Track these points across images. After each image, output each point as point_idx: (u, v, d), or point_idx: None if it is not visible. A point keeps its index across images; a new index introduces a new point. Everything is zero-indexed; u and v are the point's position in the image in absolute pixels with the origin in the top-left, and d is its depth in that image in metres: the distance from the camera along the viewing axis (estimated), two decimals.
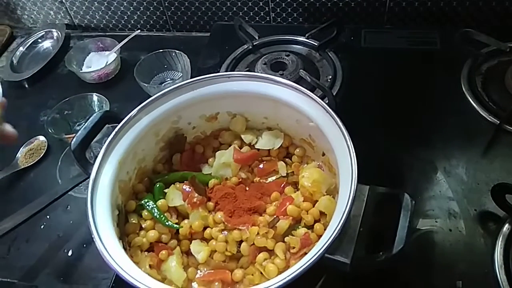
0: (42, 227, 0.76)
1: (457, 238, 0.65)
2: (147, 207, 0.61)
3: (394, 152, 0.77)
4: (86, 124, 0.62)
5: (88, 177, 0.57)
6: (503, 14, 0.96)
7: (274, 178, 0.67)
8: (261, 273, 0.56)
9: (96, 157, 0.59)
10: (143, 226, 0.61)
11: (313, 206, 0.60)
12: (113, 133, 0.60)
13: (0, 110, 0.49)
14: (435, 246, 0.65)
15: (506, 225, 0.63)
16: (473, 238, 0.65)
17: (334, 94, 0.85)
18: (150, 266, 0.57)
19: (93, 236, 0.50)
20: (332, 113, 0.57)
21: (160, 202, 0.62)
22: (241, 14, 1.08)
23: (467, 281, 0.61)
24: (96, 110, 0.94)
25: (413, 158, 0.76)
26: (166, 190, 0.65)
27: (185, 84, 0.65)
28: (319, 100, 0.60)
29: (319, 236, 0.56)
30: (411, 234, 0.65)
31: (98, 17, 1.16)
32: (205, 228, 0.61)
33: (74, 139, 0.60)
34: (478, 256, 0.63)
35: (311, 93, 0.61)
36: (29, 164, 0.86)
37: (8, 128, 0.49)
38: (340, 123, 0.56)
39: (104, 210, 0.54)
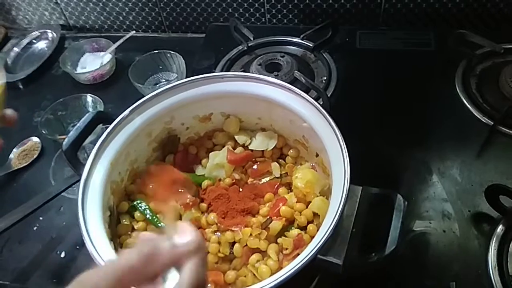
0: (35, 228, 0.76)
1: (451, 239, 0.65)
2: (140, 208, 0.61)
3: (389, 153, 0.77)
4: (78, 124, 0.61)
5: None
6: (498, 16, 0.97)
7: (267, 179, 0.66)
8: (254, 274, 0.56)
9: None
10: (135, 227, 0.61)
11: (306, 207, 0.60)
12: (105, 133, 0.60)
13: (3, 94, 0.50)
14: (429, 247, 0.65)
15: (500, 226, 0.63)
16: (467, 239, 0.65)
17: (328, 95, 0.85)
18: None
19: (83, 237, 0.50)
20: (325, 113, 0.57)
21: (153, 203, 0.62)
22: (236, 15, 1.07)
23: (460, 282, 0.61)
24: (90, 111, 0.93)
25: (407, 159, 0.76)
26: None
27: (178, 84, 0.65)
28: (312, 100, 0.59)
29: (312, 237, 0.55)
30: (405, 235, 0.66)
31: (93, 18, 1.16)
32: (198, 229, 0.61)
33: (65, 140, 0.60)
34: (471, 257, 0.63)
35: (304, 93, 0.60)
36: (22, 165, 0.85)
37: (9, 112, 0.52)
38: (333, 124, 0.56)
39: (96, 211, 0.53)
